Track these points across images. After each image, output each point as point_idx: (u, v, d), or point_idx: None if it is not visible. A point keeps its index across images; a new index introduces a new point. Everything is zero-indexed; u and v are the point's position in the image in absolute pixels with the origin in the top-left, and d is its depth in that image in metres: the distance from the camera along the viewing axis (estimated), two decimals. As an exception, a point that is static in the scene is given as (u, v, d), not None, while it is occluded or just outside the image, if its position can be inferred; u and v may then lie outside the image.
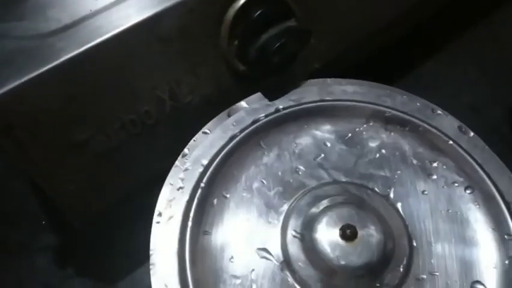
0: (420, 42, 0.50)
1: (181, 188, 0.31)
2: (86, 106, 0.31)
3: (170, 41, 0.32)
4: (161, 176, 0.32)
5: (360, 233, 0.29)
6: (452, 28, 0.53)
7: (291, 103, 0.35)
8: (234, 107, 0.35)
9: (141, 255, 0.30)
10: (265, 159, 0.34)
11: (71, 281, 0.40)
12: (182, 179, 0.32)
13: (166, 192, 0.31)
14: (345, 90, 0.36)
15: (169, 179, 0.32)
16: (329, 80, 0.37)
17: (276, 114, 0.35)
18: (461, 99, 0.40)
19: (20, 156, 0.31)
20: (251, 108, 0.35)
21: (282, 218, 0.31)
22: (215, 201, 0.32)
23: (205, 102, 0.36)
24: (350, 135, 0.35)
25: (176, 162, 0.32)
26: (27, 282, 0.40)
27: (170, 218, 0.30)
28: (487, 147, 0.34)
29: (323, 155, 0.34)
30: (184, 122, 0.35)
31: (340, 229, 0.29)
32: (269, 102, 0.35)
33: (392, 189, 0.33)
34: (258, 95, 0.36)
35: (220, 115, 0.35)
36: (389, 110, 0.35)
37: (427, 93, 0.36)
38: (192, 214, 0.30)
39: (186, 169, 0.32)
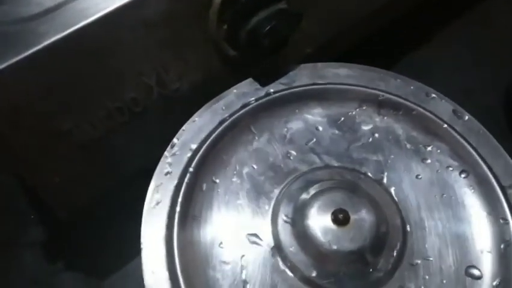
0: (413, 26, 0.50)
1: (168, 173, 0.31)
2: (69, 93, 0.30)
3: (157, 25, 0.31)
4: (151, 166, 0.31)
5: (352, 217, 0.29)
6: (446, 11, 0.52)
7: (282, 87, 0.35)
8: (223, 94, 0.35)
9: (133, 248, 0.29)
10: (255, 144, 0.33)
11: (61, 276, 0.39)
12: (170, 164, 0.31)
13: (154, 179, 0.31)
14: (337, 73, 0.35)
15: (158, 168, 0.31)
16: (320, 64, 0.36)
17: (267, 98, 0.34)
18: (454, 83, 0.40)
19: (1, 146, 0.30)
20: (241, 92, 0.34)
21: (272, 203, 0.31)
22: (204, 186, 0.31)
23: (194, 89, 0.35)
24: (342, 119, 0.34)
25: (165, 153, 0.32)
26: (15, 277, 0.39)
27: (158, 203, 0.30)
28: (482, 130, 0.33)
29: (314, 140, 0.34)
30: (173, 110, 0.34)
31: (332, 214, 0.29)
32: (259, 86, 0.35)
33: (385, 174, 0.32)
34: (249, 80, 0.35)
35: (210, 102, 0.34)
36: (383, 94, 0.35)
37: (421, 77, 0.35)
38: (180, 199, 0.30)
39: (174, 154, 0.31)
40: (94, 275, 0.39)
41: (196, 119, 0.33)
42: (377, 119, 0.35)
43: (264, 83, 0.35)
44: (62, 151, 0.31)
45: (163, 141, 0.32)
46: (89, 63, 0.30)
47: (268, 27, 0.33)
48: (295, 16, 0.35)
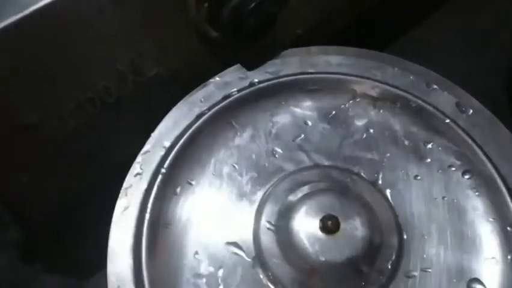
0: (408, 10, 0.49)
1: (138, 174, 0.29)
2: (33, 84, 0.29)
3: (130, 4, 0.30)
4: (129, 162, 0.30)
5: (343, 224, 0.27)
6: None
7: (268, 76, 0.33)
8: (203, 84, 0.33)
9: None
10: (237, 141, 0.31)
11: (41, 278, 0.38)
12: (140, 164, 0.29)
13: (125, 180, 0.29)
14: (329, 61, 0.34)
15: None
16: (312, 48, 0.34)
17: (250, 89, 0.33)
18: (450, 68, 0.38)
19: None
20: (222, 82, 0.33)
21: (255, 207, 0.29)
22: (178, 189, 0.30)
23: (173, 76, 0.33)
24: (333, 112, 0.33)
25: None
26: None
27: (126, 208, 0.28)
28: (487, 126, 0.31)
29: (303, 136, 0.32)
30: (151, 100, 0.33)
31: (320, 220, 0.27)
32: (242, 75, 0.33)
33: (381, 174, 0.31)
34: (234, 68, 0.33)
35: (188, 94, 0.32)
36: (379, 84, 0.33)
37: (416, 62, 0.34)
38: (150, 204, 0.28)
39: (146, 152, 0.30)
40: (75, 276, 0.38)
41: (171, 111, 0.31)
42: (372, 112, 0.33)
43: (250, 69, 0.33)
44: (29, 147, 0.30)
45: (141, 133, 0.31)
46: (53, 48, 0.28)
47: (253, 4, 0.31)
48: (283, -8, 0.33)
